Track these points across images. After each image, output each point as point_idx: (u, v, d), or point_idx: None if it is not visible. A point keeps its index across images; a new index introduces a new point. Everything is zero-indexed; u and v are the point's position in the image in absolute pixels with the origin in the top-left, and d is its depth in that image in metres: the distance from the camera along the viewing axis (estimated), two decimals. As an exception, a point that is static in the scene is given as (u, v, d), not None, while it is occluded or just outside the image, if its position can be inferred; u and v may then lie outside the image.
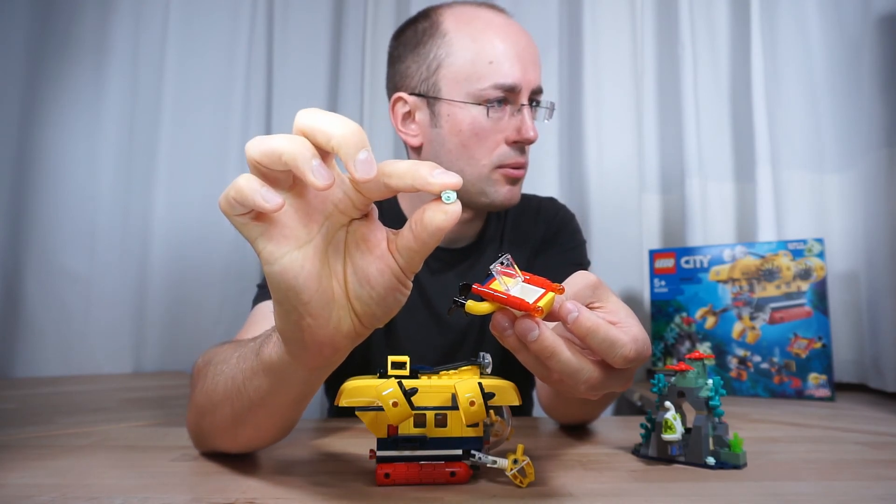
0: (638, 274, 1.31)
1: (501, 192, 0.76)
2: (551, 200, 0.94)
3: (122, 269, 1.35)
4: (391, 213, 0.87)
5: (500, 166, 0.75)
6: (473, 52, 0.73)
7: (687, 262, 1.11)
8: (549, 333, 0.37)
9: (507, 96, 0.73)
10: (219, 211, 1.46)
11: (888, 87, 1.06)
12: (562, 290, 0.38)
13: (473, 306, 0.38)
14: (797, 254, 1.01)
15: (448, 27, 0.76)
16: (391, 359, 0.46)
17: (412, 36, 0.79)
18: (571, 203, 1.38)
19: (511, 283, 0.39)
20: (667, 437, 0.52)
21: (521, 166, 0.76)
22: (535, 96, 0.76)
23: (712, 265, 1.09)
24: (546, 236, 0.89)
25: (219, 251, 1.41)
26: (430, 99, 0.76)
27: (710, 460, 0.51)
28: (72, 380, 1.20)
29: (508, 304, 0.37)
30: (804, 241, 1.01)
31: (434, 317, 0.83)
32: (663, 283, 1.14)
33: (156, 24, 1.41)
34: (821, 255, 1.00)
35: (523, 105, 0.74)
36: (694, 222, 1.24)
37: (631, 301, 1.32)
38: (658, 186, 1.38)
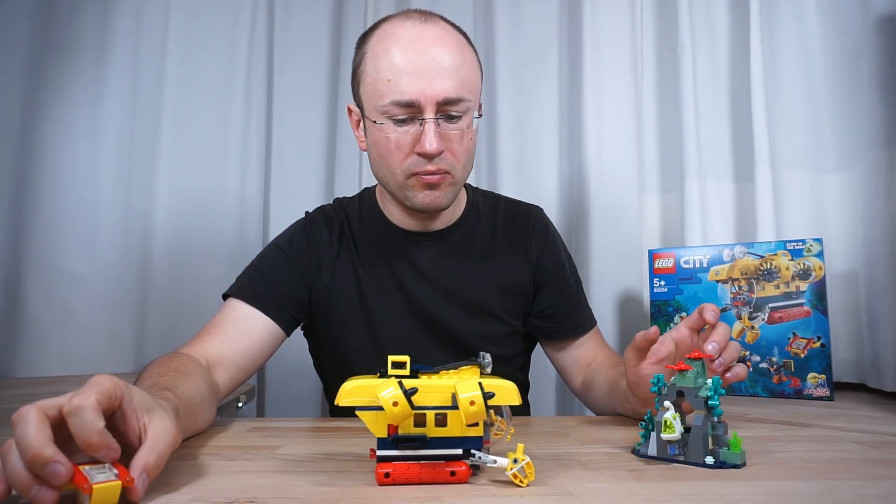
0: (638, 274, 1.31)
1: (419, 197, 0.79)
2: (533, 209, 0.97)
3: (122, 268, 1.35)
4: (371, 213, 0.89)
5: (414, 174, 0.77)
6: (376, 70, 0.75)
7: (686, 261, 1.11)
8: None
9: (409, 111, 0.74)
10: (218, 211, 1.45)
11: (888, 87, 1.06)
12: (130, 482, 0.41)
13: None
14: (796, 254, 1.02)
15: (369, 44, 0.78)
16: (391, 358, 0.46)
17: (357, 48, 0.82)
18: (571, 202, 1.38)
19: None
20: (666, 436, 0.52)
21: (434, 174, 0.76)
22: (445, 107, 0.74)
23: (712, 265, 1.09)
24: (523, 241, 0.93)
25: (219, 252, 1.41)
26: (361, 111, 0.81)
27: (710, 460, 0.51)
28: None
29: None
30: (803, 241, 1.01)
31: (415, 313, 0.86)
32: (663, 282, 1.14)
33: (156, 25, 1.41)
34: (820, 254, 1.00)
35: (424, 119, 0.74)
36: (693, 222, 1.24)
37: (631, 301, 1.32)
38: (657, 186, 1.38)
